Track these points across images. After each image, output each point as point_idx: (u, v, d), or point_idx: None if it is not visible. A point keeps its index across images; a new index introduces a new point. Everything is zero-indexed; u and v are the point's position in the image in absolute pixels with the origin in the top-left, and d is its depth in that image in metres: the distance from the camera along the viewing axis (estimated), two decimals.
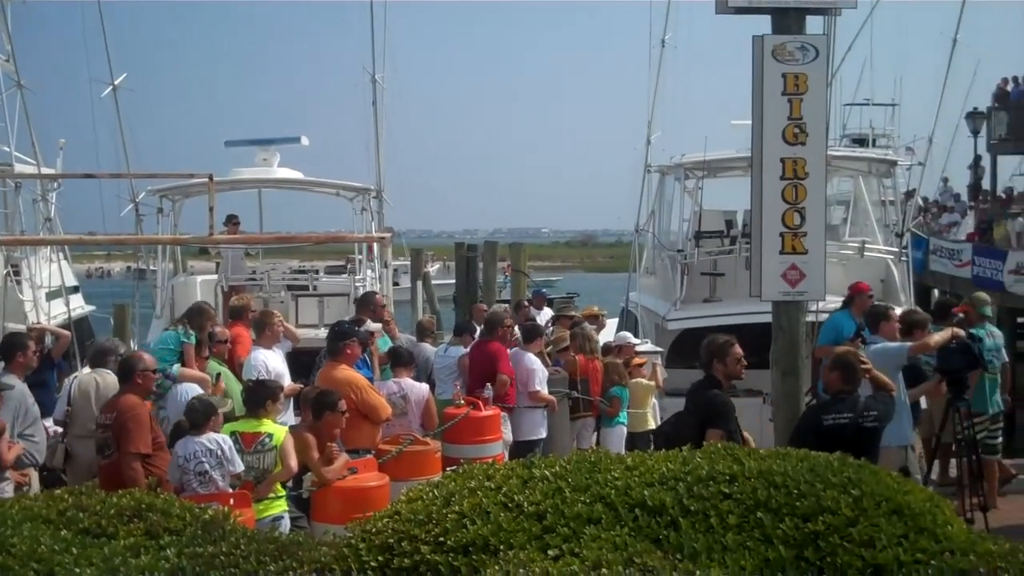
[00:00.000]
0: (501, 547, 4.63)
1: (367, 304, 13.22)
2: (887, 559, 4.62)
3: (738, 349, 8.36)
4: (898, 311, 11.54)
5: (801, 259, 9.65)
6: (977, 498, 9.83)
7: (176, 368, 10.10)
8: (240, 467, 8.02)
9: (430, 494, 5.23)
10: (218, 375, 10.16)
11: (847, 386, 7.96)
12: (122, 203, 18.72)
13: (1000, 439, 11.86)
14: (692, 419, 8.10)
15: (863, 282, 13.86)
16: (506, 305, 18.82)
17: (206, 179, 12.02)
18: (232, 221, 18.22)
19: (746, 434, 8.33)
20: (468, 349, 12.38)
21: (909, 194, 22.26)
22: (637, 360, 13.93)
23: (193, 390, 9.67)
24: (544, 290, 22.76)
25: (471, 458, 8.81)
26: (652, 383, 13.91)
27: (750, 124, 9.95)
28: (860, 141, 37.34)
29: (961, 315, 11.05)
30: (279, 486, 8.38)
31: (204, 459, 7.87)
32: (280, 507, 8.34)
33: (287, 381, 10.57)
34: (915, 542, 4.77)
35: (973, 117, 35.76)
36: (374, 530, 5.03)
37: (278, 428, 8.53)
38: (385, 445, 9.72)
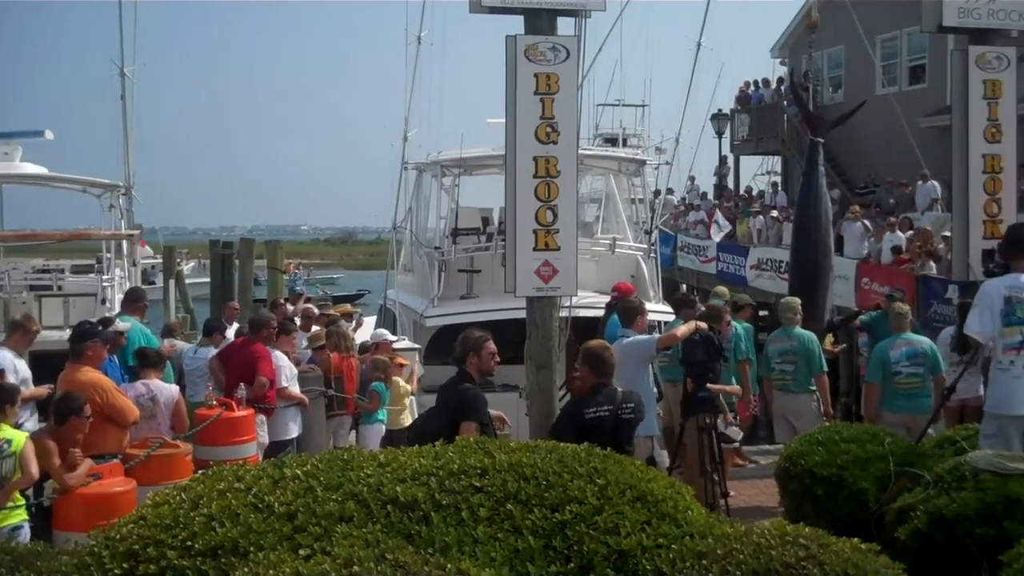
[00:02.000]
0: (251, 549, 4.56)
1: (136, 300, 12.76)
2: (631, 544, 4.79)
3: (492, 345, 8.45)
4: (648, 306, 11.88)
5: (554, 255, 9.80)
6: (716, 485, 10.22)
7: None
8: None
9: (177, 498, 5.11)
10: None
11: (600, 378, 8.11)
12: None
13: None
14: (444, 414, 8.13)
15: (627, 284, 14.31)
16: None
17: None
18: None
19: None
20: (218, 349, 12.11)
21: (657, 192, 23.08)
22: (400, 360, 13.95)
23: None
24: (299, 288, 22.48)
25: (224, 460, 8.63)
26: (408, 386, 13.97)
27: (504, 122, 10.07)
28: (612, 141, 38.46)
29: (703, 308, 11.47)
30: (18, 494, 8.00)
31: None
32: (19, 516, 7.96)
33: (31, 385, 10.13)
34: (657, 527, 4.98)
35: (717, 119, 37.36)
36: (118, 536, 4.87)
37: (17, 433, 8.14)
38: (133, 449, 9.40)
